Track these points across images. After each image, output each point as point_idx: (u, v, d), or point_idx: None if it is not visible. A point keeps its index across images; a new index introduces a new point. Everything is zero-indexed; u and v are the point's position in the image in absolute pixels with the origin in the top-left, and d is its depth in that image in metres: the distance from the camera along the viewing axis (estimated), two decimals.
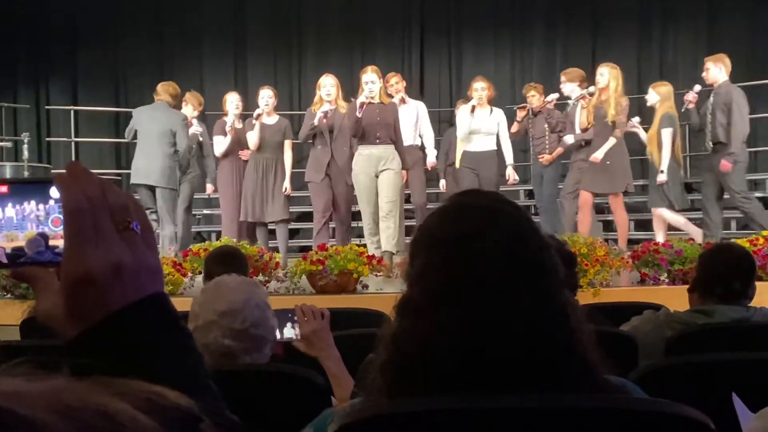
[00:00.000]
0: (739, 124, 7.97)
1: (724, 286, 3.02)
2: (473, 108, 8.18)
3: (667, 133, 8.17)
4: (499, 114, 8.41)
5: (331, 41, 12.11)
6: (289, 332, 2.58)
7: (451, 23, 12.54)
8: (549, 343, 1.22)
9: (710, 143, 8.11)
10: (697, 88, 8.38)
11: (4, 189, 0.84)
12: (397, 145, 7.44)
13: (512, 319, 1.21)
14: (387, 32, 12.01)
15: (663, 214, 8.30)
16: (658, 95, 8.34)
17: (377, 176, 7.36)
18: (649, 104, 8.46)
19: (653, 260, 6.13)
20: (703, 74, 8.26)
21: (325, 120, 7.74)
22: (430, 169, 8.77)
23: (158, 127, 7.88)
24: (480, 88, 8.27)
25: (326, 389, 2.21)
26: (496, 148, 8.34)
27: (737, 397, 1.85)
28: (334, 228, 8.24)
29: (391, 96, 8.12)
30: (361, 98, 7.25)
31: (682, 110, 8.40)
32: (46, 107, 12.28)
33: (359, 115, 7.19)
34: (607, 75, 8.15)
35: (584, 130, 8.31)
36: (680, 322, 3.01)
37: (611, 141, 7.97)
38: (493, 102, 8.46)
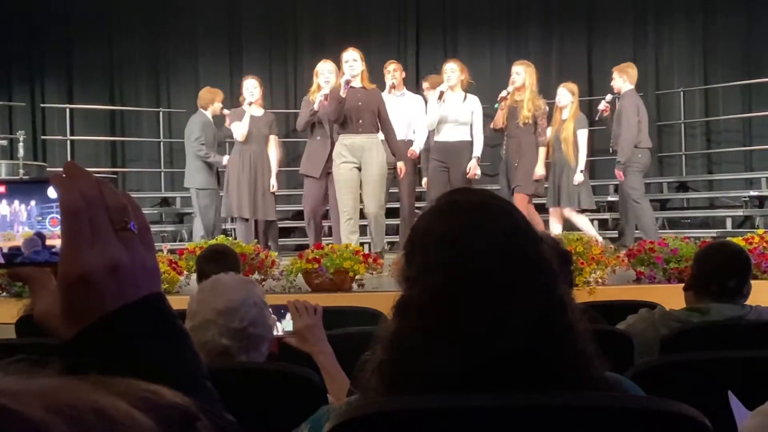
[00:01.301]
0: (625, 132, 8.15)
1: (719, 284, 3.02)
2: (441, 94, 7.40)
3: (583, 134, 8.19)
4: (473, 101, 7.61)
5: (327, 38, 12.09)
6: (283, 327, 2.58)
7: (446, 21, 12.54)
8: (547, 340, 1.23)
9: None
10: (609, 97, 8.41)
11: (1, 189, 0.84)
12: (388, 135, 7.04)
13: (511, 316, 1.22)
14: (383, 30, 12.01)
15: (570, 215, 8.30)
16: (571, 95, 8.25)
17: (359, 168, 6.98)
18: (561, 104, 8.26)
19: (649, 259, 6.14)
20: (611, 83, 8.33)
21: (326, 103, 7.24)
22: (410, 156, 7.69)
23: (186, 134, 8.62)
24: (450, 70, 7.53)
25: (323, 387, 2.21)
26: (469, 139, 7.56)
27: (733, 394, 1.85)
28: (330, 227, 8.00)
29: (393, 86, 7.79)
30: (345, 77, 6.88)
31: (596, 118, 8.42)
32: (42, 105, 12.26)
33: (343, 95, 6.80)
34: (523, 74, 7.82)
35: (498, 131, 8.05)
36: (676, 321, 3.02)
37: (541, 153, 7.85)
38: (474, 92, 7.83)
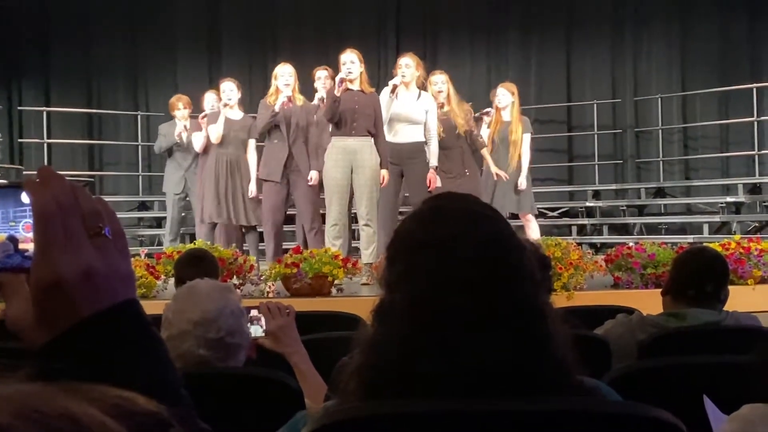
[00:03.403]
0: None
1: (696, 289, 3.04)
2: (395, 87, 6.97)
3: (528, 138, 8.08)
4: (427, 100, 7.20)
5: (306, 45, 12.09)
6: (255, 330, 2.56)
7: (427, 27, 12.57)
8: (527, 346, 1.23)
9: None
10: (490, 110, 8.20)
11: None
12: (377, 140, 6.83)
13: (492, 323, 1.22)
14: (362, 37, 11.98)
15: (532, 219, 8.23)
16: (511, 95, 8.05)
17: (352, 172, 6.80)
18: (501, 105, 8.04)
19: (626, 264, 6.17)
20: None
21: (289, 105, 7.19)
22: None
23: None
24: (404, 65, 7.12)
25: (299, 392, 2.20)
26: (423, 140, 7.17)
27: (709, 399, 1.87)
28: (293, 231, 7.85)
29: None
30: (340, 74, 6.70)
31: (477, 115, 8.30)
32: (19, 108, 12.17)
33: (338, 95, 6.61)
34: (447, 84, 7.55)
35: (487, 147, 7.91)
36: (653, 326, 3.03)
37: (486, 154, 7.82)
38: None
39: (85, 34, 12.44)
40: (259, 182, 7.69)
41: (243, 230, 7.99)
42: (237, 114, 7.89)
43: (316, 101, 7.45)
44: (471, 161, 7.68)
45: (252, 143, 7.84)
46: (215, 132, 7.68)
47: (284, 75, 7.35)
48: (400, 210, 7.35)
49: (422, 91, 7.22)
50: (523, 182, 7.98)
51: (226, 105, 7.73)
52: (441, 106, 7.44)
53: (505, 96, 8.05)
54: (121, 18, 12.44)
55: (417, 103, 7.11)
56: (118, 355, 0.75)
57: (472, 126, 7.62)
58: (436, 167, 7.14)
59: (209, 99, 8.28)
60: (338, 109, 6.64)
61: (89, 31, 12.45)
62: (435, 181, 7.08)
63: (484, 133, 8.00)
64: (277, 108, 7.25)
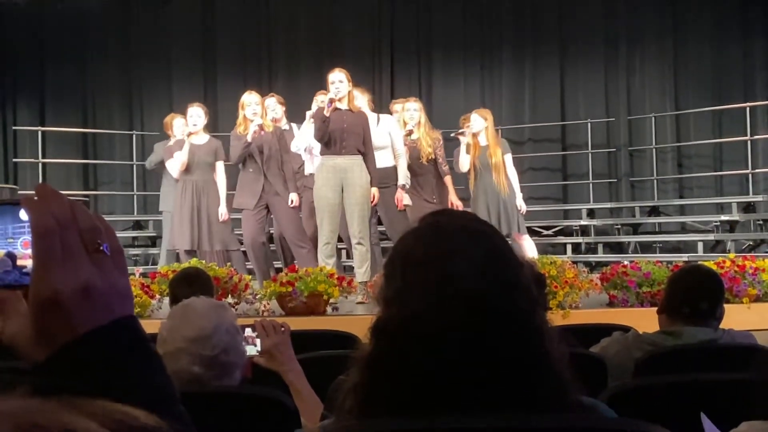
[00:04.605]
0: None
1: (691, 306, 3.04)
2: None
3: (510, 158, 8.10)
4: (387, 122, 7.33)
5: (301, 64, 12.15)
6: (250, 350, 2.55)
7: (420, 47, 12.62)
8: (525, 363, 1.23)
9: None
10: (464, 130, 8.15)
11: None
12: (366, 158, 6.83)
13: (489, 340, 1.21)
14: (357, 56, 12.05)
15: (527, 238, 8.24)
16: (484, 120, 8.06)
17: (342, 190, 6.79)
18: (474, 131, 8.00)
19: (621, 282, 6.17)
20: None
21: (262, 133, 7.26)
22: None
23: None
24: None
25: (295, 410, 2.19)
26: (393, 164, 7.26)
27: (706, 417, 1.86)
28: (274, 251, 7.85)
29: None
30: (329, 95, 6.72)
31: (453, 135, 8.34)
32: (14, 128, 12.17)
33: (327, 115, 6.63)
34: (419, 111, 7.71)
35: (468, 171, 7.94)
36: (649, 344, 3.03)
37: (448, 182, 7.83)
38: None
39: (80, 54, 12.46)
40: (231, 206, 7.71)
41: (223, 254, 7.95)
42: (202, 138, 7.84)
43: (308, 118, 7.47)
44: (441, 188, 7.79)
45: (220, 165, 7.81)
46: (180, 159, 7.69)
47: (251, 104, 7.39)
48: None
49: (379, 115, 7.33)
50: (522, 204, 8.04)
51: (190, 134, 7.71)
52: (409, 133, 7.57)
53: (478, 121, 8.05)
54: (117, 37, 12.47)
55: (378, 127, 7.14)
56: (117, 370, 0.75)
57: (439, 154, 7.70)
58: (404, 185, 7.24)
59: (178, 124, 8.28)
60: (328, 129, 6.66)
61: (84, 50, 12.47)
62: (402, 200, 7.21)
63: (464, 157, 8.03)
64: (249, 138, 7.28)
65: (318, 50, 12.28)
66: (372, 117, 7.17)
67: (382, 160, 7.17)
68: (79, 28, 12.34)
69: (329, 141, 6.74)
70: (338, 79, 6.76)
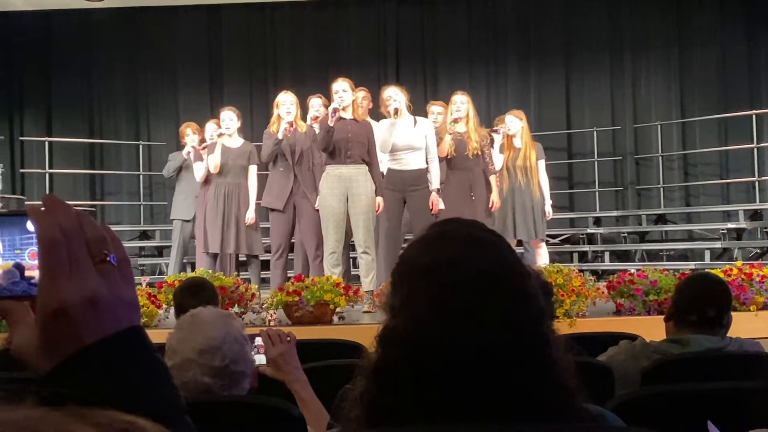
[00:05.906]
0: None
1: (698, 314, 3.03)
2: (396, 110, 6.93)
3: (543, 164, 8.13)
4: (424, 125, 7.18)
5: (306, 74, 12.16)
6: (259, 359, 2.55)
7: (426, 57, 12.63)
8: (532, 372, 1.22)
9: None
10: (499, 128, 8.24)
11: None
12: (371, 167, 6.85)
13: (496, 348, 1.21)
14: (362, 66, 12.06)
15: (543, 245, 8.24)
16: (520, 121, 8.08)
17: (347, 199, 6.77)
18: (511, 132, 8.06)
19: (628, 291, 6.16)
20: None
21: (292, 131, 7.25)
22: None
23: None
24: (395, 94, 7.14)
25: (302, 420, 2.19)
26: (425, 166, 7.11)
27: (713, 426, 1.86)
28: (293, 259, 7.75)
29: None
30: (333, 105, 6.72)
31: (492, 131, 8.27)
32: (21, 138, 12.22)
33: (331, 124, 6.62)
34: (467, 104, 7.60)
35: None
36: (656, 352, 3.02)
37: (493, 182, 7.69)
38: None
39: (86, 65, 12.52)
40: (261, 209, 7.70)
41: (238, 258, 7.97)
42: (236, 142, 7.89)
43: (308, 121, 7.50)
44: (481, 187, 7.59)
45: (253, 169, 7.85)
46: (213, 161, 7.69)
47: (285, 103, 7.39)
48: (406, 237, 7.33)
49: (417, 117, 7.19)
50: (550, 210, 8.06)
51: (221, 134, 7.73)
52: (455, 121, 7.46)
53: (514, 123, 8.09)
54: (123, 48, 12.51)
55: (415, 129, 7.04)
56: (123, 381, 0.75)
57: (486, 152, 7.60)
58: (438, 190, 7.08)
59: (210, 129, 8.30)
60: (332, 138, 6.66)
61: (91, 61, 12.53)
62: (438, 204, 7.02)
63: (497, 156, 8.01)
64: (280, 135, 7.29)
65: (323, 60, 12.30)
66: (408, 119, 7.07)
67: (415, 161, 7.06)
68: (85, 39, 12.39)
69: (334, 150, 6.75)
70: (342, 89, 6.81)
